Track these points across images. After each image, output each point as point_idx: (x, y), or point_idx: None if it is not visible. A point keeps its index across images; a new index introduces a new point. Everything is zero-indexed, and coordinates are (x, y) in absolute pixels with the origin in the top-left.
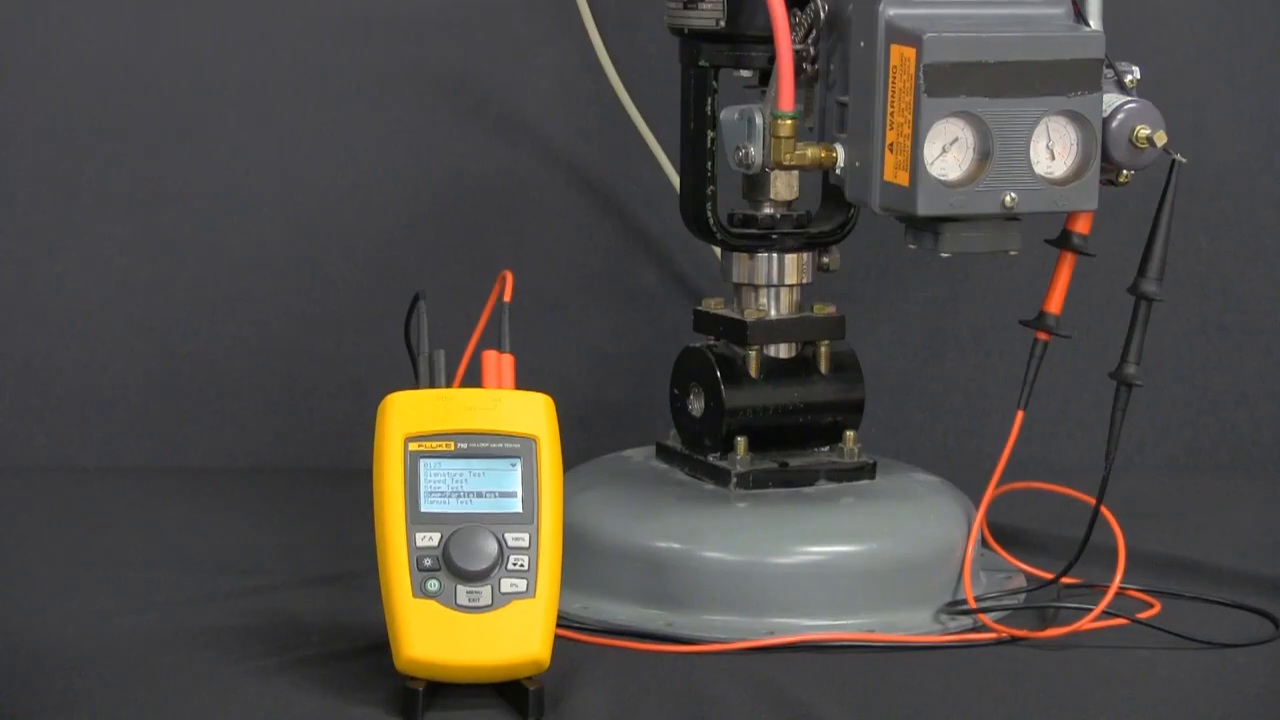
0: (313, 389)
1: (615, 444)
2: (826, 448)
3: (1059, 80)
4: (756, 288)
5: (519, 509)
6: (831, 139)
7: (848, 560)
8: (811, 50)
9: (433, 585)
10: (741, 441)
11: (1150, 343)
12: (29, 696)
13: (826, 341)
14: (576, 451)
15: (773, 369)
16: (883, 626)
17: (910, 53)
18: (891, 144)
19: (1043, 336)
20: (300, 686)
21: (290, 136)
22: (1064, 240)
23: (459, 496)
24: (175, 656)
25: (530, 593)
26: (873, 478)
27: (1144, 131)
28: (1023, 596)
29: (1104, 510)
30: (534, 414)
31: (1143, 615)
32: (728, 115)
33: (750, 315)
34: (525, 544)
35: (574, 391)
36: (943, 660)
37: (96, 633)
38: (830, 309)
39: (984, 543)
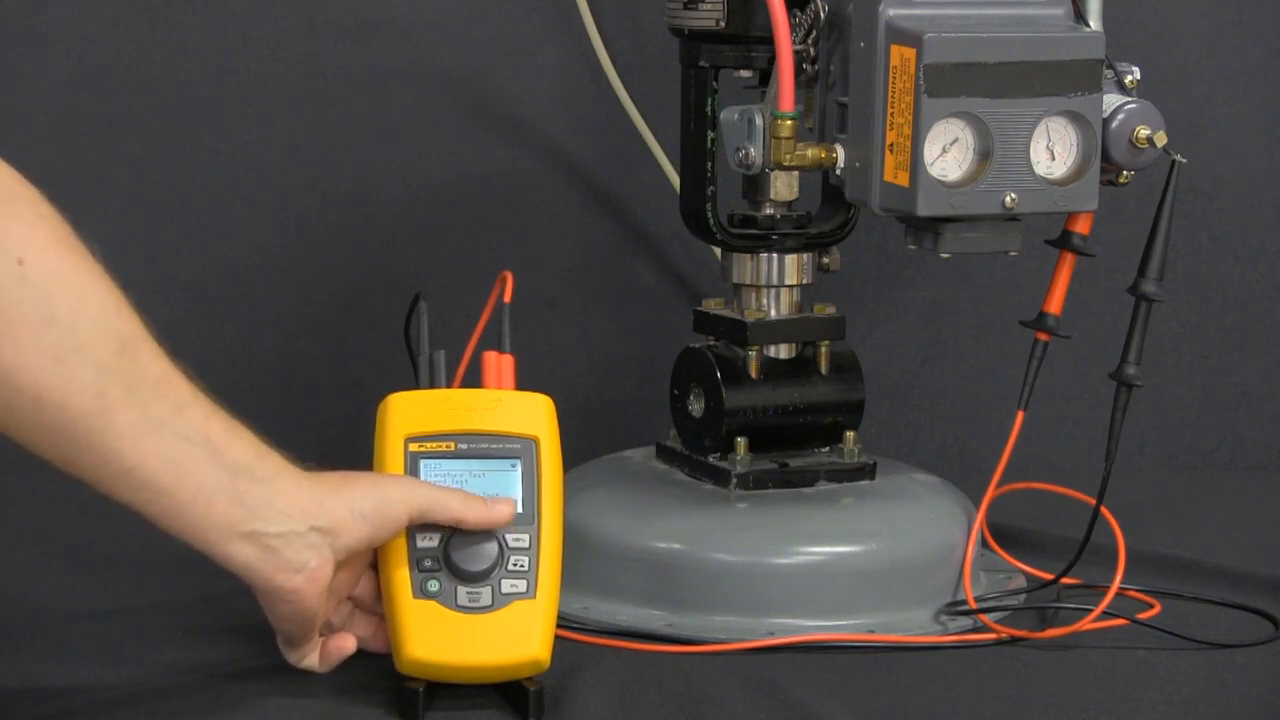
0: (313, 389)
1: (615, 444)
2: (826, 448)
3: (1059, 80)
4: (756, 288)
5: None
6: (831, 139)
7: (848, 560)
8: (812, 51)
9: (433, 586)
10: (741, 442)
11: (1150, 343)
12: (28, 695)
13: (826, 342)
14: (576, 451)
15: (772, 369)
16: (883, 626)
17: (910, 53)
18: (891, 144)
19: (1043, 337)
20: (300, 687)
21: (290, 136)
22: (1064, 240)
23: None
24: (176, 656)
25: (530, 593)
26: (873, 478)
27: (1144, 132)
28: (1023, 597)
29: (1104, 510)
30: (534, 415)
31: (1143, 615)
32: (728, 116)
33: (750, 316)
34: (525, 545)
35: (574, 391)
36: (943, 660)
37: (96, 632)
38: (830, 309)
39: (984, 543)
